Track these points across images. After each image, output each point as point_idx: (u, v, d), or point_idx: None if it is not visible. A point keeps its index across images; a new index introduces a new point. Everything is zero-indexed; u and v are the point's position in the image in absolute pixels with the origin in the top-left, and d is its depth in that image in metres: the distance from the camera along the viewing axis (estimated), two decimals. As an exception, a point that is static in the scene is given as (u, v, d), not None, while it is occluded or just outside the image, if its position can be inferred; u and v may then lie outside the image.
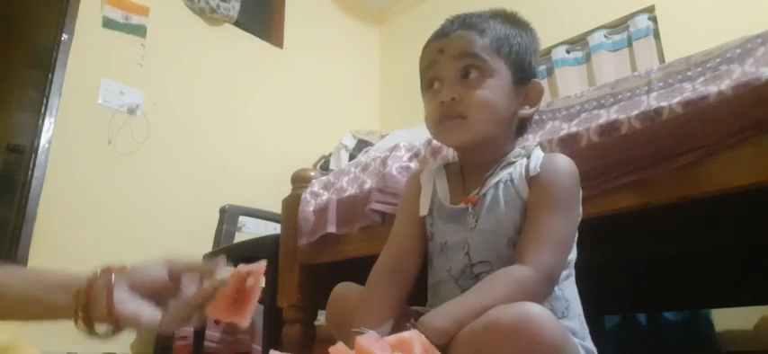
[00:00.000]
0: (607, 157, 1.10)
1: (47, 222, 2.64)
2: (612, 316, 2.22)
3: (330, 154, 3.43)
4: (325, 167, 3.31)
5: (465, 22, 0.97)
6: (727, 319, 2.20)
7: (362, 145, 3.28)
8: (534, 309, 0.71)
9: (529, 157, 0.95)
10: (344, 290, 1.01)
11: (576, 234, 0.93)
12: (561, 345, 0.71)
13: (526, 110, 0.99)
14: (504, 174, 0.94)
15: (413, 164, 1.49)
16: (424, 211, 1.01)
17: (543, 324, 0.70)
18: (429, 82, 0.98)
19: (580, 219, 0.94)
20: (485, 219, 0.92)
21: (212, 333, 2.44)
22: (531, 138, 1.21)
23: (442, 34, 0.98)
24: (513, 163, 0.96)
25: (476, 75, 0.93)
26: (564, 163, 0.93)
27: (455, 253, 0.94)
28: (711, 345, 2.15)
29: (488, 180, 0.95)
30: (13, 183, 2.62)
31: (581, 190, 0.95)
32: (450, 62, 0.94)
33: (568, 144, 1.17)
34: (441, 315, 0.79)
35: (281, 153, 3.49)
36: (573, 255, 0.93)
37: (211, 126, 3.37)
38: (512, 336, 0.69)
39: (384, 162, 1.56)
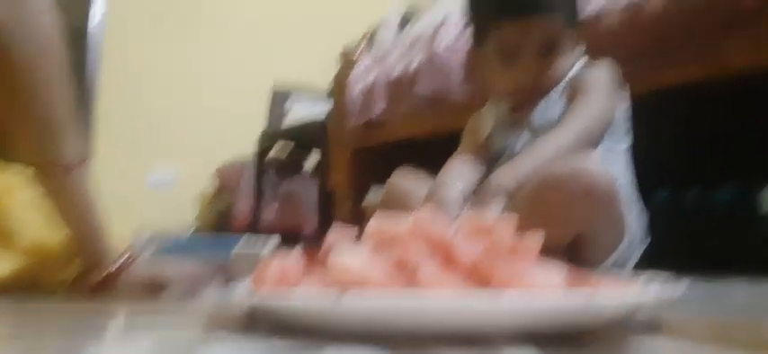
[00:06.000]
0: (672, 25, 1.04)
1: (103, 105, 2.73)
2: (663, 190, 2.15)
3: (379, 26, 3.33)
4: (373, 39, 3.22)
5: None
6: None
7: (410, 15, 3.16)
8: (588, 163, 0.79)
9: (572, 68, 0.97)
10: (403, 176, 1.00)
11: (627, 119, 0.95)
12: (612, 195, 0.79)
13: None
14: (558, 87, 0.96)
15: (460, 44, 1.42)
16: (486, 133, 1.02)
17: (596, 175, 0.77)
18: (504, 52, 0.93)
19: (617, 107, 0.94)
20: (540, 118, 0.95)
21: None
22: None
23: (518, 10, 0.91)
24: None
25: (553, 49, 0.92)
26: (602, 65, 0.94)
27: (514, 145, 0.97)
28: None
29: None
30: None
31: (621, 88, 0.94)
32: (531, 44, 0.91)
33: (631, 10, 1.10)
34: (504, 175, 0.83)
35: (329, 24, 3.38)
36: (626, 142, 0.95)
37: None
38: (566, 187, 0.76)
39: (432, 38, 1.51)
